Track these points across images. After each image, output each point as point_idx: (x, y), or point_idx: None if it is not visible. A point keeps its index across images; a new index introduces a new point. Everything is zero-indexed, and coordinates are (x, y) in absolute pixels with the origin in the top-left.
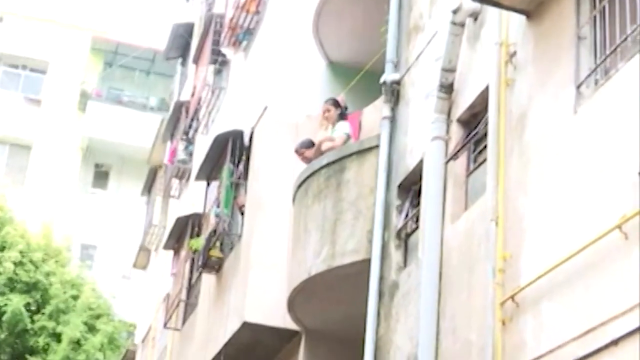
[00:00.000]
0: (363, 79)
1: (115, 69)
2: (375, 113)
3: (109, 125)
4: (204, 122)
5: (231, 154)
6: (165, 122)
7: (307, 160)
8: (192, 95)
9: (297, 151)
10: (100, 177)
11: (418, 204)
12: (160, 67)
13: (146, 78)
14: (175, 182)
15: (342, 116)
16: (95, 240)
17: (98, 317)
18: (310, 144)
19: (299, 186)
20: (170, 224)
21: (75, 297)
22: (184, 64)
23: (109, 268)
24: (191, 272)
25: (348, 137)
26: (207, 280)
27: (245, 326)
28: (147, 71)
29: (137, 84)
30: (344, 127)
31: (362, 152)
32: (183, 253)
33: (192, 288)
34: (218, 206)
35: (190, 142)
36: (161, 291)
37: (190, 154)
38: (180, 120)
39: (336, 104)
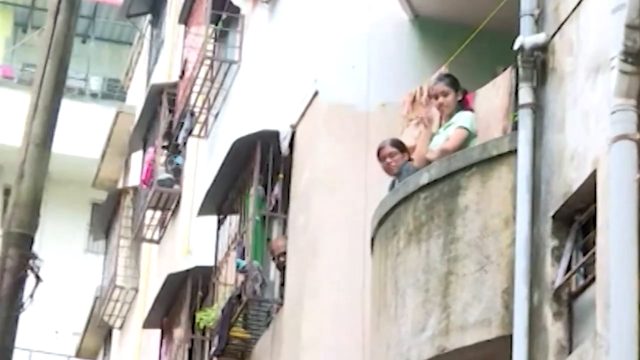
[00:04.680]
0: (475, 41)
1: (31, 33)
2: (496, 97)
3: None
4: (202, 118)
5: (260, 169)
6: (121, 119)
7: (395, 171)
8: (181, 75)
9: (381, 155)
10: None
11: (590, 244)
12: (108, 29)
13: (83, 47)
14: (152, 216)
15: (463, 104)
16: None
17: None
18: (400, 147)
19: (383, 219)
20: (149, 285)
21: None
22: (155, 22)
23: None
24: None
25: (470, 134)
26: None
27: None
28: (85, 35)
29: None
30: (465, 119)
31: (487, 161)
32: (178, 333)
33: None
34: (242, 256)
35: (177, 151)
36: None
37: (178, 171)
38: (158, 115)
39: (454, 83)
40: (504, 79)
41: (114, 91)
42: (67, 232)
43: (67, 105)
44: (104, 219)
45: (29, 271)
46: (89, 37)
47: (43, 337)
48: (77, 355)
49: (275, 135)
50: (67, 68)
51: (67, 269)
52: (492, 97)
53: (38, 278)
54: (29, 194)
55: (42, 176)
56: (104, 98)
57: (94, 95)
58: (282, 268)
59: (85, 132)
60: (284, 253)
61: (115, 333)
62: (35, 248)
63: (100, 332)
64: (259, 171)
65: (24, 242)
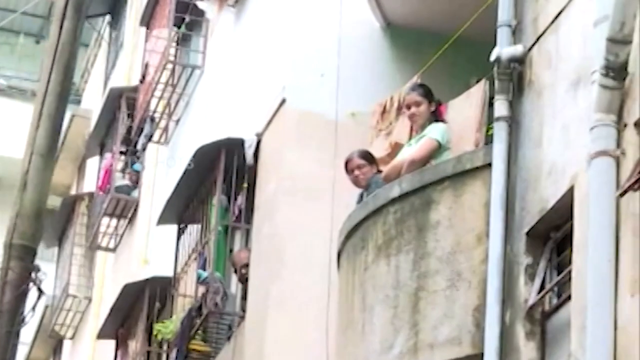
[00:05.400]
0: (448, 51)
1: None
2: (469, 109)
3: None
4: (162, 124)
5: (224, 178)
6: (76, 122)
7: (364, 184)
8: (142, 79)
9: (349, 167)
10: None
11: (565, 262)
12: None
13: (37, 47)
14: (108, 223)
15: (436, 115)
16: None
17: None
18: (369, 159)
19: (350, 232)
20: (103, 294)
21: None
22: (114, 24)
23: None
24: None
25: (442, 147)
26: None
27: None
28: (38, 35)
29: (22, 57)
30: (437, 131)
31: (460, 175)
32: (134, 345)
33: None
34: (204, 267)
35: (135, 157)
36: None
37: (137, 178)
38: (116, 120)
39: (428, 93)
40: (478, 91)
41: None
42: None
43: (19, 108)
44: (57, 226)
45: (30, 284)
46: (44, 37)
47: None
48: None
49: (240, 144)
50: (72, 77)
51: None
52: (465, 109)
53: (40, 291)
54: (33, 205)
55: (46, 187)
56: None
57: None
58: (244, 281)
59: None
60: (247, 265)
61: (67, 343)
62: None
63: (50, 342)
64: (222, 180)
65: (26, 254)
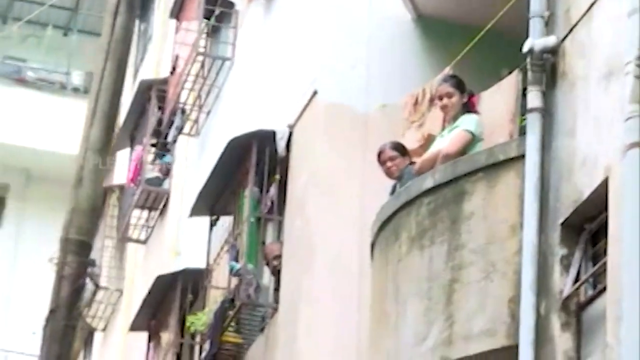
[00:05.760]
0: (480, 43)
1: (11, 25)
2: (502, 100)
3: (4, 119)
4: (193, 116)
5: (256, 170)
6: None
7: (396, 175)
8: (172, 71)
9: (381, 158)
10: None
11: (600, 253)
12: (91, 22)
13: (65, 40)
14: (139, 215)
15: (468, 106)
16: None
17: None
18: (401, 150)
19: (384, 224)
20: (134, 287)
21: None
22: (143, 16)
23: (9, 359)
24: None
25: (475, 138)
26: None
27: None
28: (66, 27)
29: (49, 49)
30: (470, 122)
31: (494, 166)
32: (166, 337)
33: None
34: (236, 259)
35: (166, 149)
36: None
37: (167, 171)
38: (146, 112)
39: (460, 84)
40: (510, 82)
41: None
42: (46, 230)
43: (48, 100)
44: None
45: (87, 279)
46: (71, 29)
47: (19, 337)
48: None
49: (271, 135)
50: (124, 73)
51: (46, 268)
52: (498, 100)
53: (97, 286)
54: (88, 201)
55: (100, 182)
56: (87, 93)
57: (75, 90)
58: (276, 272)
59: (66, 127)
60: (278, 257)
61: (98, 335)
62: (12, 246)
63: (81, 334)
64: (254, 172)
65: (82, 249)
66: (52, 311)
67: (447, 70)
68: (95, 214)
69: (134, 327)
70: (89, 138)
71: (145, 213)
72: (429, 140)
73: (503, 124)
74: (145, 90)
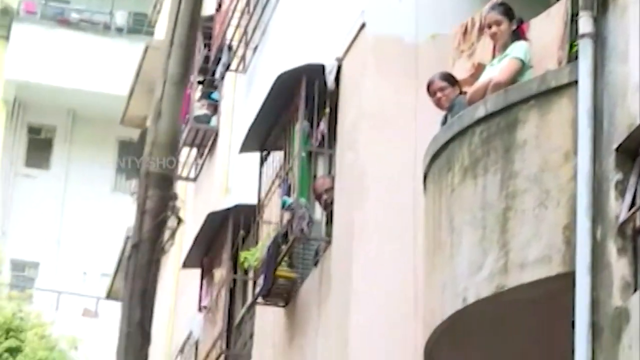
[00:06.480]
0: None
1: None
2: (551, 27)
3: (49, 61)
4: (240, 52)
5: (306, 104)
6: (150, 54)
7: (447, 106)
8: (218, 8)
9: (431, 89)
10: (37, 147)
11: None
12: None
13: None
14: (188, 153)
15: (518, 34)
16: (36, 254)
17: None
18: (451, 80)
19: (436, 154)
20: (185, 224)
21: (13, 351)
22: None
23: (62, 300)
24: (232, 304)
25: (524, 66)
26: (267, 317)
27: None
28: None
29: None
30: (519, 49)
31: (546, 94)
32: (219, 273)
33: (238, 331)
34: (288, 194)
35: (213, 86)
36: (177, 336)
37: (215, 107)
38: (193, 50)
39: (508, 12)
40: (559, 9)
41: (140, 26)
42: (93, 171)
43: (92, 41)
44: (136, 157)
45: (169, 212)
46: None
47: (71, 278)
48: (108, 296)
49: (320, 69)
50: (201, 5)
51: (94, 208)
52: (547, 27)
53: (179, 220)
54: (168, 134)
55: (178, 115)
56: (130, 33)
57: (119, 30)
58: (326, 206)
59: (110, 68)
60: (329, 190)
61: None
62: (61, 188)
63: None
64: (304, 106)
65: (163, 182)
66: (134, 246)
67: None
68: (175, 147)
69: (187, 264)
70: (166, 70)
71: (194, 150)
72: (479, 69)
73: (552, 51)
74: None
